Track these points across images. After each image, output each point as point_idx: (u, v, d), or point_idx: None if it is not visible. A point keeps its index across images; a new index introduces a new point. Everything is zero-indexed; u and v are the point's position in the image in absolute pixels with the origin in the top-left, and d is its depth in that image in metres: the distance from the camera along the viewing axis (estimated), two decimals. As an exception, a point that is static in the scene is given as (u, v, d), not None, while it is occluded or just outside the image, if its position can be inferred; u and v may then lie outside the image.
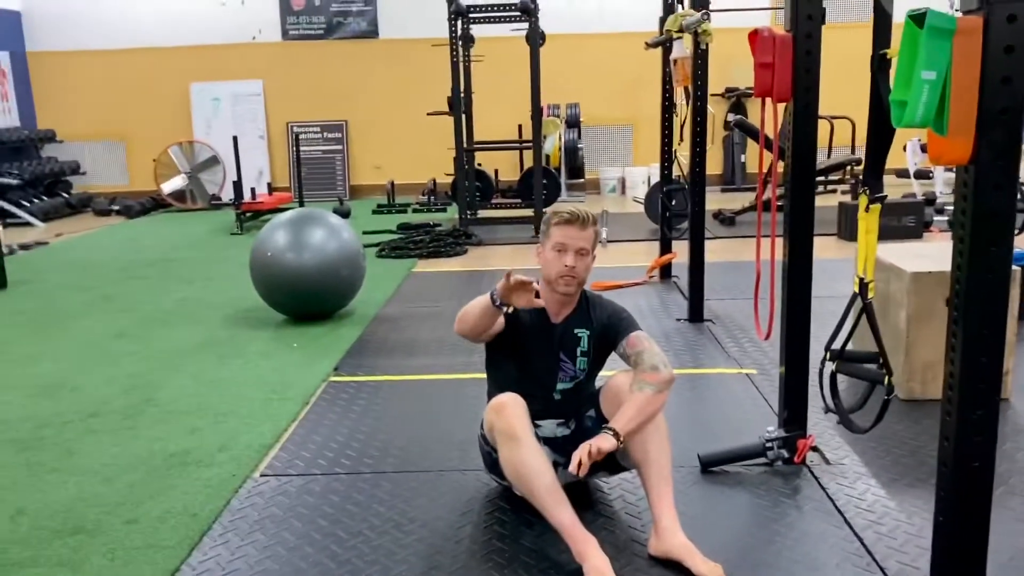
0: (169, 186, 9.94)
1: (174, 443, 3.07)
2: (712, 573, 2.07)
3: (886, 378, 2.11)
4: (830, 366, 2.28)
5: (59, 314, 5.14)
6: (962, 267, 1.53)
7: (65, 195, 10.04)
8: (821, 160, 8.94)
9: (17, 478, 2.82)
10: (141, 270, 6.46)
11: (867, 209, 2.04)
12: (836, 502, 2.46)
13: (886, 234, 5.70)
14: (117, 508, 2.58)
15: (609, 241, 6.83)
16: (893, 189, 8.58)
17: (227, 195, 9.63)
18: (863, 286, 2.11)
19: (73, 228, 8.87)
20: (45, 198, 9.69)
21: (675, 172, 5.41)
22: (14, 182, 9.19)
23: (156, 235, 8.28)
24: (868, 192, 2.04)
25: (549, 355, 2.46)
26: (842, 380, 2.33)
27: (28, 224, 9.00)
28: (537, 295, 2.26)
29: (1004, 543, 2.21)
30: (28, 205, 9.26)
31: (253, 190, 8.67)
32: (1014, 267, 3.27)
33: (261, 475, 2.78)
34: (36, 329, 4.80)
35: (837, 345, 2.26)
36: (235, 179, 8.22)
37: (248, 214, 8.25)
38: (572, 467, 2.16)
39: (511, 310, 2.29)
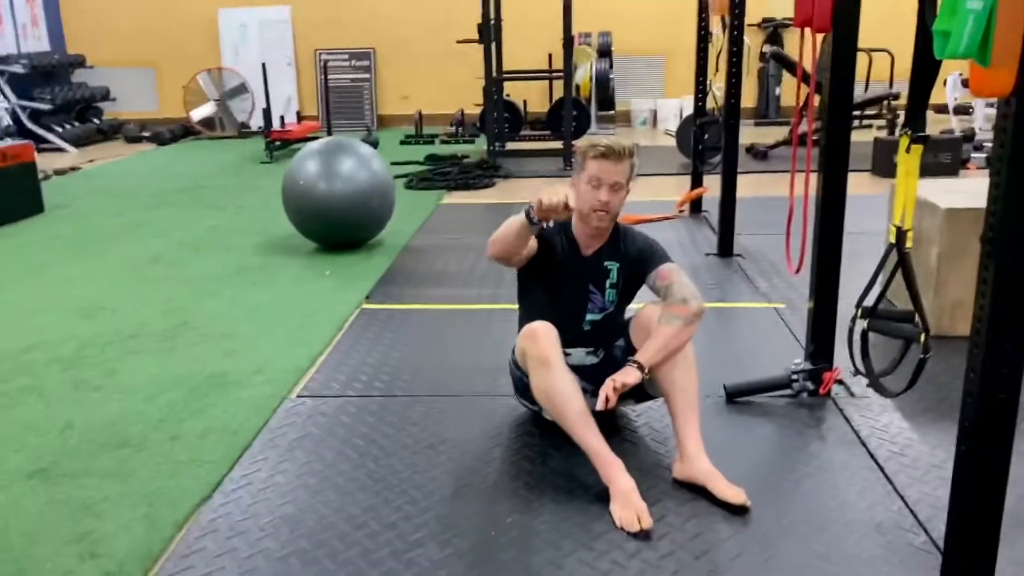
0: (198, 113, 9.96)
1: (212, 364, 3.16)
2: (735, 497, 2.14)
3: (922, 336, 2.00)
4: (861, 324, 2.16)
5: (95, 238, 5.24)
6: (997, 201, 1.53)
7: (96, 121, 10.10)
8: (858, 94, 8.75)
9: (63, 394, 2.93)
10: (173, 197, 6.54)
11: (908, 150, 1.93)
12: (859, 433, 2.50)
13: (922, 171, 5.62)
14: (160, 424, 2.68)
15: (639, 174, 6.77)
16: (931, 125, 8.40)
17: (256, 123, 9.64)
18: (900, 235, 1.99)
19: (105, 154, 8.95)
20: (77, 124, 9.75)
21: (709, 104, 5.34)
22: (47, 107, 9.25)
23: (186, 162, 8.34)
24: (910, 131, 1.93)
25: (579, 287, 2.49)
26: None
27: (61, 150, 9.08)
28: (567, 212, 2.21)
29: (1025, 475, 2.25)
30: (60, 131, 9.33)
31: (282, 118, 8.66)
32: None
33: (298, 396, 2.87)
34: (73, 253, 4.91)
35: (869, 301, 2.14)
36: (264, 107, 8.21)
37: (277, 142, 8.26)
38: (599, 404, 2.20)
39: (548, 225, 2.29)
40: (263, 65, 8.40)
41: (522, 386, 2.52)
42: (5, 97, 8.98)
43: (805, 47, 2.50)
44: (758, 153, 7.56)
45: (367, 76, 10.40)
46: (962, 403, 1.66)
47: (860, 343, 2.22)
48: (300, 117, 9.37)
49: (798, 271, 2.74)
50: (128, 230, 5.45)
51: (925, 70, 1.94)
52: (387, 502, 2.19)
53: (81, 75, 10.48)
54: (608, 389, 2.21)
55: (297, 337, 3.41)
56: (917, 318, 2.03)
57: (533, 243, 2.39)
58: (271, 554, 1.99)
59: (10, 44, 9.39)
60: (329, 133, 8.14)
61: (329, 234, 4.63)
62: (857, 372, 2.25)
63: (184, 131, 10.06)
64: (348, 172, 4.49)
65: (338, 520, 2.12)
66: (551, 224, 2.31)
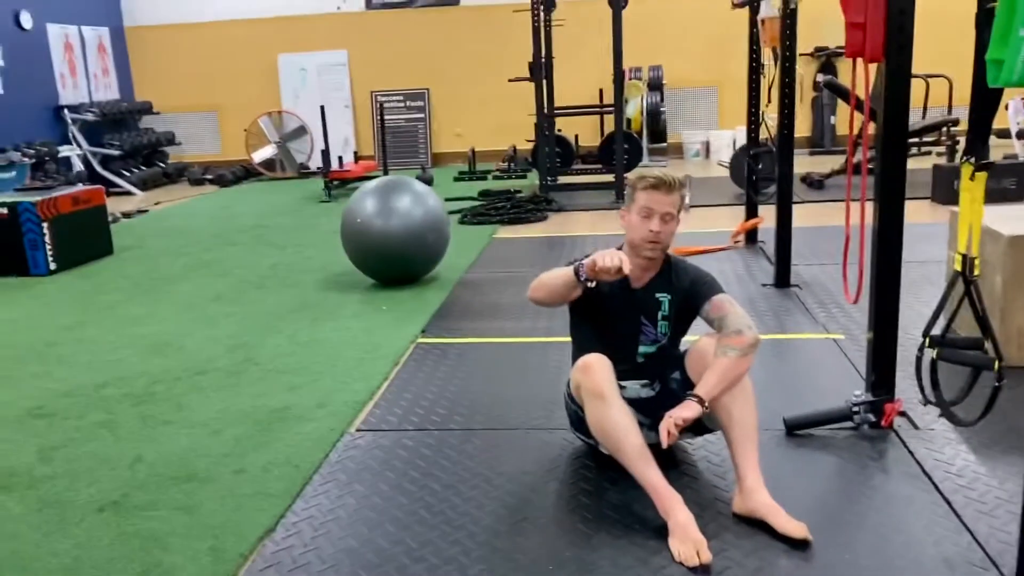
0: (260, 155, 10.26)
1: (275, 399, 3.24)
2: (797, 531, 2.10)
3: (996, 364, 1.97)
4: (929, 353, 2.13)
5: (161, 278, 5.42)
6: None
7: (162, 165, 10.48)
8: (915, 120, 8.62)
9: (134, 429, 3.03)
10: (235, 236, 6.73)
11: (972, 178, 1.91)
12: (924, 466, 2.45)
13: (985, 197, 5.50)
14: (225, 459, 2.75)
15: (692, 206, 6.76)
16: (994, 150, 8.22)
17: (315, 163, 9.89)
18: (966, 263, 1.96)
19: (170, 196, 9.26)
20: (143, 168, 10.13)
21: (762, 135, 5.32)
22: (116, 152, 9.63)
23: (248, 203, 8.58)
24: (973, 159, 1.91)
25: (630, 319, 2.50)
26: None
27: (128, 193, 9.44)
28: (620, 275, 2.24)
29: (1101, 510, 2.17)
30: (128, 175, 9.70)
31: (340, 158, 8.88)
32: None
33: (357, 430, 2.92)
34: (142, 292, 5.09)
35: (937, 330, 2.12)
36: (323, 148, 8.43)
37: (336, 182, 8.46)
38: (664, 442, 2.19)
39: (595, 284, 2.32)
40: (321, 107, 8.65)
41: (577, 419, 2.52)
42: (78, 144, 9.39)
43: (858, 76, 2.50)
44: (813, 182, 7.48)
45: (422, 116, 10.61)
46: (1030, 434, 1.62)
47: (930, 372, 2.18)
48: (357, 157, 9.59)
49: (856, 300, 2.71)
50: (193, 269, 5.63)
51: (985, 97, 1.92)
52: (445, 536, 2.22)
53: (148, 121, 10.91)
54: (669, 425, 2.20)
55: (356, 372, 3.48)
56: (988, 345, 1.99)
57: (579, 288, 2.41)
58: (333, 586, 2.03)
59: (83, 93, 9.83)
60: (385, 172, 8.32)
61: (386, 270, 4.72)
62: (927, 402, 2.21)
63: (246, 173, 10.37)
64: (404, 209, 4.59)
65: (397, 553, 2.15)
66: (592, 284, 2.33)
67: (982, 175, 1.88)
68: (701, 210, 6.66)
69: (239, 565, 2.15)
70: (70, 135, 9.36)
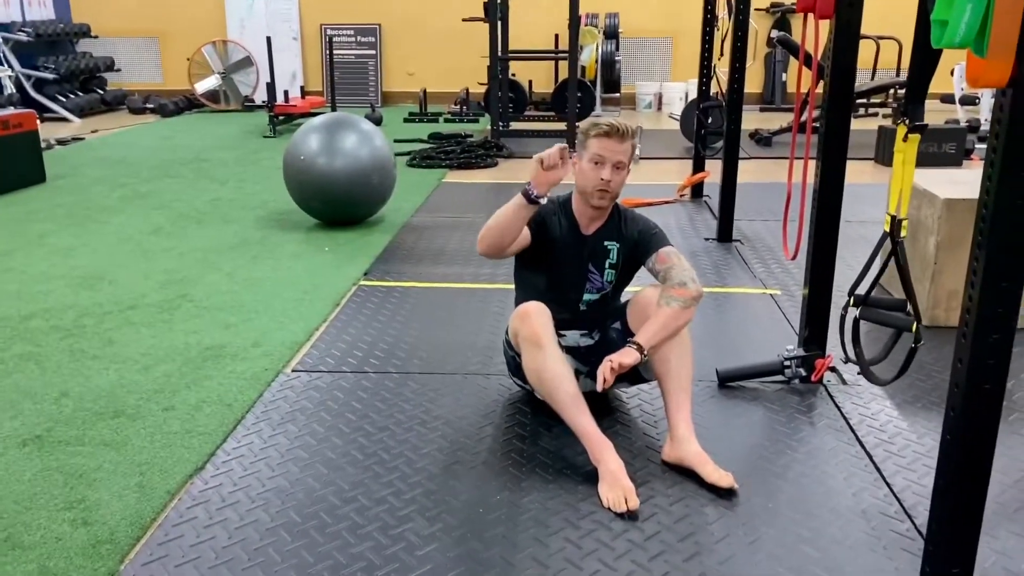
0: (203, 86, 9.93)
1: (209, 337, 3.18)
2: (722, 481, 2.15)
3: (914, 325, 2.01)
4: (853, 312, 2.16)
5: (96, 208, 5.25)
6: (990, 191, 1.52)
7: (100, 92, 10.08)
8: (864, 82, 8.70)
9: (61, 363, 2.95)
10: (175, 169, 6.54)
11: (905, 138, 1.92)
12: (849, 420, 2.52)
13: (925, 161, 5.60)
14: (155, 395, 2.70)
15: (642, 158, 6.77)
16: (937, 115, 8.37)
17: (260, 97, 9.61)
18: (895, 224, 1.99)
19: (108, 125, 8.93)
20: (80, 94, 9.73)
21: (713, 89, 5.32)
22: (51, 76, 9.22)
23: (190, 135, 8.32)
24: (907, 120, 1.92)
25: (578, 266, 2.50)
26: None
27: (64, 119, 9.07)
28: (565, 159, 2.25)
29: (1012, 466, 2.27)
30: (64, 100, 9.31)
31: (286, 93, 8.64)
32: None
33: (292, 370, 2.89)
34: (74, 222, 4.92)
35: (862, 290, 2.14)
36: (268, 81, 8.19)
37: (281, 117, 8.24)
38: (598, 385, 2.21)
39: (544, 203, 2.29)
40: (268, 39, 8.36)
41: (515, 365, 2.53)
42: (9, 65, 8.96)
43: (809, 32, 2.49)
44: (761, 139, 7.54)
45: (372, 52, 10.36)
46: (948, 393, 1.66)
47: (852, 331, 2.22)
48: (304, 92, 9.34)
49: (794, 257, 2.74)
50: (129, 201, 5.46)
51: (925, 59, 1.93)
52: (377, 477, 2.21)
53: (85, 45, 10.45)
54: (606, 369, 2.22)
55: (294, 312, 3.42)
56: (909, 307, 2.03)
57: (525, 234, 2.39)
58: (260, 526, 2.01)
59: (15, 11, 9.35)
60: (333, 109, 8.12)
61: (329, 210, 4.64)
62: (848, 360, 2.26)
63: (188, 103, 10.04)
64: (349, 148, 4.49)
65: (328, 494, 2.14)
66: (547, 201, 2.31)
67: (915, 137, 1.89)
68: (650, 162, 6.67)
69: (166, 502, 2.12)
70: (0, 55, 8.92)
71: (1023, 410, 2.58)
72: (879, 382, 2.17)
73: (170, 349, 3.07)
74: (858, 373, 2.23)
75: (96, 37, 10.35)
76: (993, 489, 2.13)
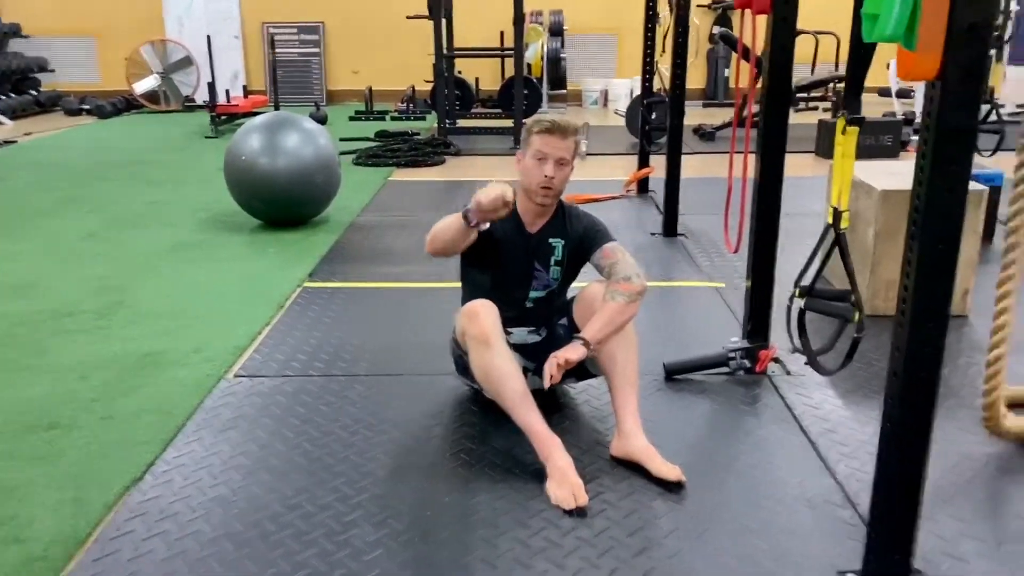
0: (141, 86, 9.70)
1: (147, 344, 3.09)
2: (670, 474, 2.16)
3: (856, 315, 2.04)
4: (799, 302, 2.18)
5: (28, 213, 5.08)
6: (922, 183, 1.55)
7: (33, 93, 9.77)
8: (804, 76, 8.86)
9: (-9, 375, 2.85)
10: (112, 171, 6.37)
11: (844, 131, 1.95)
12: (794, 410, 2.55)
13: (863, 153, 5.70)
14: (91, 405, 2.62)
15: (588, 154, 6.79)
16: (874, 108, 8.56)
17: (201, 97, 9.42)
18: (836, 216, 2.02)
19: (42, 127, 8.67)
20: (12, 95, 9.42)
21: (656, 85, 5.35)
22: (-21, 78, 8.93)
23: (128, 136, 8.12)
24: (845, 113, 1.95)
25: (523, 264, 2.49)
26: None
27: (-5, 122, 8.78)
28: (512, 204, 2.23)
29: (950, 450, 2.32)
30: (-5, 102, 9.02)
31: (228, 92, 8.49)
32: (982, 187, 3.32)
33: (235, 376, 2.82)
34: (5, 228, 4.76)
35: (807, 281, 2.16)
36: (209, 80, 8.03)
37: (223, 117, 8.09)
38: (545, 382, 2.21)
39: (487, 227, 2.29)
40: (208, 37, 8.21)
41: (462, 365, 2.51)
42: (-65, 66, 8.64)
43: (748, 28, 2.51)
44: (705, 134, 7.62)
45: (316, 51, 10.22)
46: (887, 381, 1.69)
47: (797, 321, 2.25)
48: (247, 92, 9.18)
49: (736, 250, 2.77)
50: (63, 205, 5.30)
51: (860, 53, 1.96)
52: (322, 483, 2.17)
53: (16, 45, 10.12)
54: (552, 366, 2.21)
55: (237, 316, 3.35)
56: (853, 297, 2.06)
57: (473, 235, 2.37)
58: (201, 536, 1.96)
59: (-60, 11, 9.02)
60: (277, 108, 8.00)
61: (272, 211, 4.56)
62: (795, 350, 2.28)
63: (127, 104, 9.80)
64: (292, 147, 4.42)
65: (271, 501, 2.09)
66: (485, 227, 2.29)
67: (854, 129, 1.92)
68: (597, 158, 6.70)
69: (102, 516, 2.05)
70: (-75, 56, 8.60)
71: (960, 395, 2.64)
72: (825, 372, 2.20)
73: (107, 357, 2.98)
74: (805, 363, 2.25)
75: (28, 37, 10.04)
76: (932, 474, 2.17)
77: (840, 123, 1.93)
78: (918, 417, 1.66)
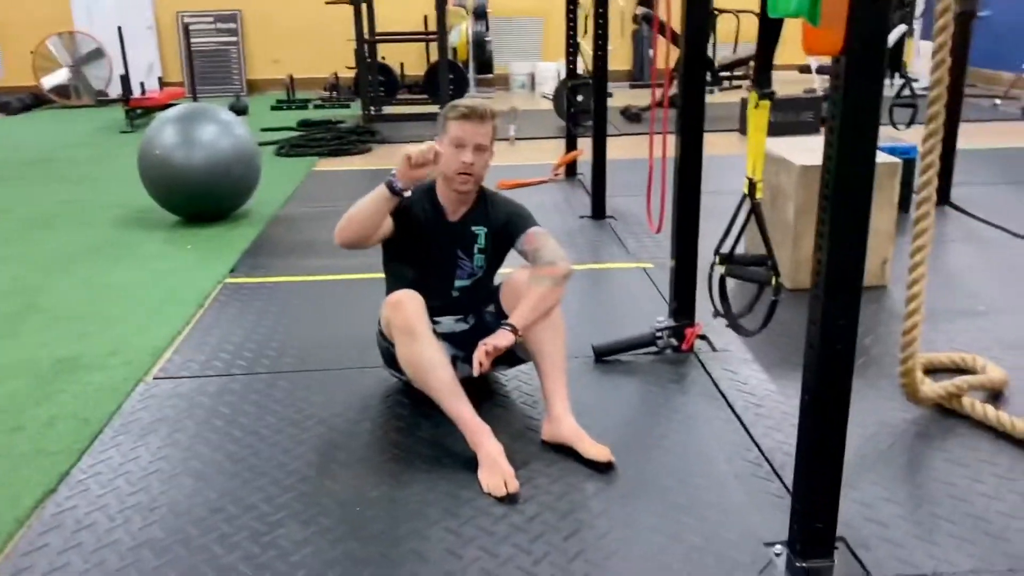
0: (50, 81, 9.30)
1: (62, 348, 2.97)
2: (601, 455, 2.16)
3: (774, 279, 2.10)
4: (719, 270, 2.24)
5: (-69, 218, 4.83)
6: (832, 157, 1.57)
7: (-67, 90, 9.30)
8: (726, 55, 8.99)
9: None
10: (21, 170, 6.09)
11: (756, 106, 1.99)
12: (720, 386, 2.58)
13: (784, 129, 5.83)
14: (0, 415, 2.50)
15: (518, 138, 6.77)
16: (795, 85, 8.72)
17: (115, 90, 9.08)
18: (752, 186, 2.08)
19: (-56, 126, 8.25)
20: (-90, 93, 8.95)
21: (580, 67, 5.35)
22: None
23: (38, 133, 7.79)
24: (757, 88, 1.99)
25: (447, 253, 2.46)
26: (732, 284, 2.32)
27: None
28: (437, 158, 2.21)
29: (870, 418, 2.38)
30: None
31: (143, 85, 8.20)
32: (896, 159, 3.41)
33: (154, 378, 2.73)
34: (-94, 234, 4.51)
35: (726, 248, 2.22)
36: (122, 73, 7.74)
37: (138, 111, 7.81)
38: (475, 370, 2.19)
39: (408, 195, 2.25)
40: (119, 28, 7.90)
41: (389, 356, 2.47)
42: None
43: (666, 7, 2.52)
44: (632, 115, 7.66)
45: (234, 40, 9.94)
46: (804, 353, 1.72)
47: (719, 288, 2.29)
48: (163, 84, 8.89)
49: (659, 230, 2.79)
50: (-31, 207, 5.05)
51: (768, 29, 1.98)
52: (247, 483, 2.12)
53: (-87, 39, 9.60)
54: (480, 353, 2.19)
55: (156, 316, 3.24)
56: (769, 262, 2.11)
57: (388, 223, 2.34)
58: (121, 546, 1.89)
59: None
60: (195, 100, 7.77)
61: (190, 206, 4.42)
62: (716, 315, 2.32)
63: (35, 100, 9.38)
64: (208, 140, 4.28)
65: (193, 506, 2.03)
66: (411, 193, 2.26)
67: (765, 103, 1.96)
68: (526, 143, 6.68)
69: (14, 531, 1.96)
70: None
71: (880, 364, 2.71)
72: (746, 333, 2.25)
73: (17, 363, 2.85)
74: (727, 326, 2.30)
75: (-76, 31, 9.53)
76: (854, 442, 2.22)
77: (752, 97, 1.96)
78: (836, 388, 1.69)
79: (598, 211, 4.53)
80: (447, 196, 2.42)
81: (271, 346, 2.94)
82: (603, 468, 2.15)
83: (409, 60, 9.57)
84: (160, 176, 4.30)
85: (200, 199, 4.35)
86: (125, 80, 7.70)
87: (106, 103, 9.14)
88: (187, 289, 3.51)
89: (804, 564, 1.78)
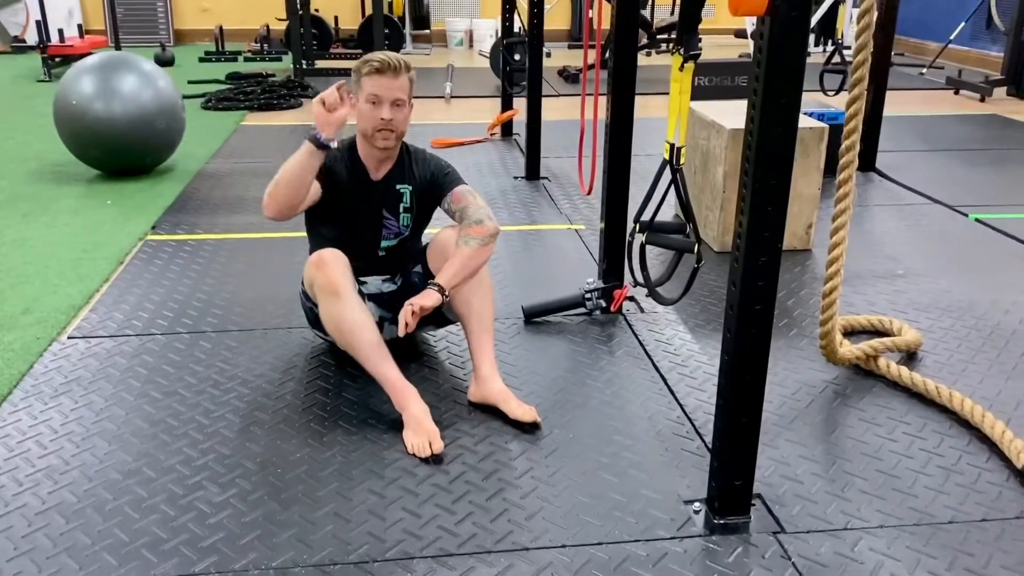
0: (-40, 24, 8.80)
1: (-31, 307, 2.84)
2: (526, 416, 2.17)
3: (695, 247, 2.09)
4: (639, 237, 2.23)
5: None
6: (755, 119, 1.57)
7: None
8: (664, 18, 8.97)
9: None
10: (-71, 119, 5.78)
11: (681, 68, 1.96)
12: (646, 347, 2.61)
13: (718, 94, 5.85)
14: (-98, 377, 2.39)
15: (453, 96, 6.67)
16: (732, 49, 8.78)
17: (32, 37, 8.63)
18: (674, 152, 2.04)
19: None
20: None
21: (517, 25, 5.28)
22: None
23: (-53, 80, 7.38)
24: (682, 49, 1.96)
25: (371, 213, 2.41)
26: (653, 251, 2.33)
27: None
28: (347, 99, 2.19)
29: (790, 378, 2.43)
30: None
31: (61, 32, 7.81)
32: (823, 124, 3.46)
33: (69, 337, 2.63)
34: None
35: (647, 216, 2.20)
36: (38, 19, 7.36)
37: (57, 59, 7.46)
38: (400, 330, 2.16)
39: (335, 144, 2.19)
40: (34, -30, 7.49)
41: (313, 316, 2.42)
42: None
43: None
44: (569, 76, 7.62)
45: (160, -14, 9.53)
46: (724, 315, 1.73)
47: (639, 256, 2.29)
48: (83, 31, 8.49)
49: (589, 192, 2.78)
50: None
51: (693, -9, 1.97)
52: (164, 446, 2.06)
53: None
54: (407, 313, 2.16)
55: (71, 273, 3.12)
56: (688, 229, 2.11)
57: (315, 188, 2.28)
58: (29, 511, 1.82)
59: None
60: (118, 49, 7.44)
61: (110, 159, 4.25)
62: (636, 283, 2.32)
63: (-56, 44, 8.88)
64: (129, 91, 4.11)
65: (107, 469, 1.97)
66: (335, 145, 2.20)
67: (690, 66, 1.95)
68: (462, 101, 6.59)
69: (-87, 497, 1.88)
70: None
71: (801, 325, 2.77)
72: (665, 302, 2.26)
73: (-80, 323, 2.72)
74: (646, 295, 2.31)
75: None
76: (774, 402, 2.28)
77: (676, 60, 1.94)
78: (754, 348, 1.71)
79: (532, 172, 4.50)
80: (368, 154, 2.37)
81: (193, 305, 2.86)
82: (529, 428, 2.16)
83: (343, 13, 9.33)
84: (77, 128, 4.11)
85: (120, 153, 4.18)
86: (41, 26, 7.32)
87: (23, 50, 8.70)
88: (106, 246, 3.38)
89: (721, 521, 1.82)
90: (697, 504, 1.88)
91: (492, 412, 2.22)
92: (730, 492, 1.83)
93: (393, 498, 1.89)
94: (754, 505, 1.87)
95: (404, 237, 2.48)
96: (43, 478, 1.94)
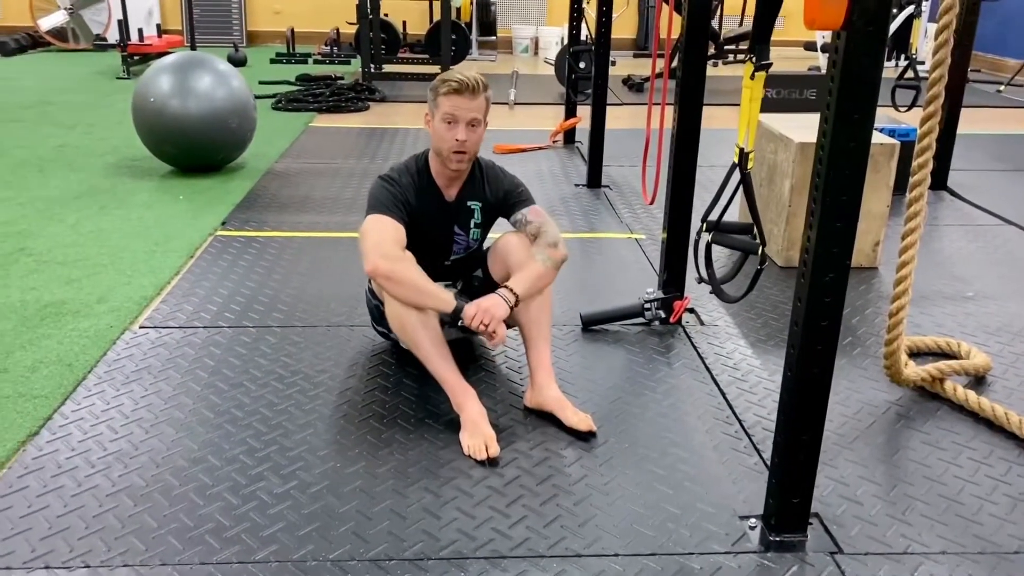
0: (48, 22, 9.15)
1: (49, 293, 2.96)
2: (582, 424, 2.17)
3: (760, 248, 2.11)
4: (705, 236, 2.26)
5: (-78, 156, 4.78)
6: (827, 134, 1.56)
7: (-72, 27, 9.15)
8: (732, 28, 8.88)
9: None
10: (16, 113, 6.02)
11: (752, 76, 1.98)
12: (705, 360, 2.59)
13: (786, 107, 5.78)
14: (-14, 358, 2.50)
15: (517, 103, 6.71)
16: (800, 62, 8.66)
17: (113, 36, 8.95)
18: (743, 156, 2.08)
19: (-61, 64, 8.14)
20: (-96, 29, 8.81)
21: (584, 33, 5.29)
22: None
23: (34, 76, 7.68)
24: (754, 59, 2.00)
25: (444, 231, 2.44)
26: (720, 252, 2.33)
27: None
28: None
29: (852, 398, 2.39)
30: None
31: (141, 31, 8.08)
32: (894, 141, 3.39)
33: (140, 327, 2.72)
34: None
35: (714, 216, 2.23)
36: (120, 18, 7.63)
37: (136, 57, 7.72)
38: (496, 341, 2.16)
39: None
40: (118, -29, 7.77)
41: (378, 314, 2.47)
42: None
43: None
44: (634, 85, 7.60)
45: (236, -11, 9.79)
46: (789, 330, 1.72)
47: (704, 254, 2.29)
48: (161, 31, 8.77)
49: (652, 202, 2.77)
50: (-39, 148, 5.00)
51: (767, 2, 1.97)
52: (228, 436, 2.12)
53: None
54: (487, 320, 2.14)
55: (145, 265, 3.23)
56: (755, 231, 2.12)
57: (403, 230, 2.28)
58: (100, 492, 1.90)
59: None
60: (193, 49, 7.67)
61: (184, 156, 4.38)
62: (700, 280, 2.32)
63: (32, 42, 9.25)
64: (204, 90, 4.23)
65: (175, 455, 2.04)
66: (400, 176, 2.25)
67: (761, 74, 1.95)
68: (526, 108, 6.63)
69: (-6, 473, 1.96)
70: None
71: (865, 345, 2.72)
72: (728, 299, 2.26)
73: (4, 307, 2.84)
74: (710, 292, 2.31)
75: (-80, -35, 9.36)
76: (834, 421, 2.25)
77: (748, 68, 1.94)
78: (818, 366, 1.69)
79: (594, 180, 4.51)
80: (441, 173, 2.38)
81: (260, 300, 2.94)
82: (584, 436, 2.16)
83: (412, 18, 9.45)
84: (154, 125, 4.25)
85: (194, 150, 4.31)
86: (123, 26, 7.59)
87: (103, 48, 9.02)
88: (177, 240, 3.49)
89: (777, 538, 1.80)
90: (753, 520, 1.86)
91: (548, 418, 2.23)
92: (787, 509, 1.81)
93: (448, 498, 1.92)
94: (811, 524, 1.85)
95: (472, 250, 2.51)
96: (114, 461, 2.01)
